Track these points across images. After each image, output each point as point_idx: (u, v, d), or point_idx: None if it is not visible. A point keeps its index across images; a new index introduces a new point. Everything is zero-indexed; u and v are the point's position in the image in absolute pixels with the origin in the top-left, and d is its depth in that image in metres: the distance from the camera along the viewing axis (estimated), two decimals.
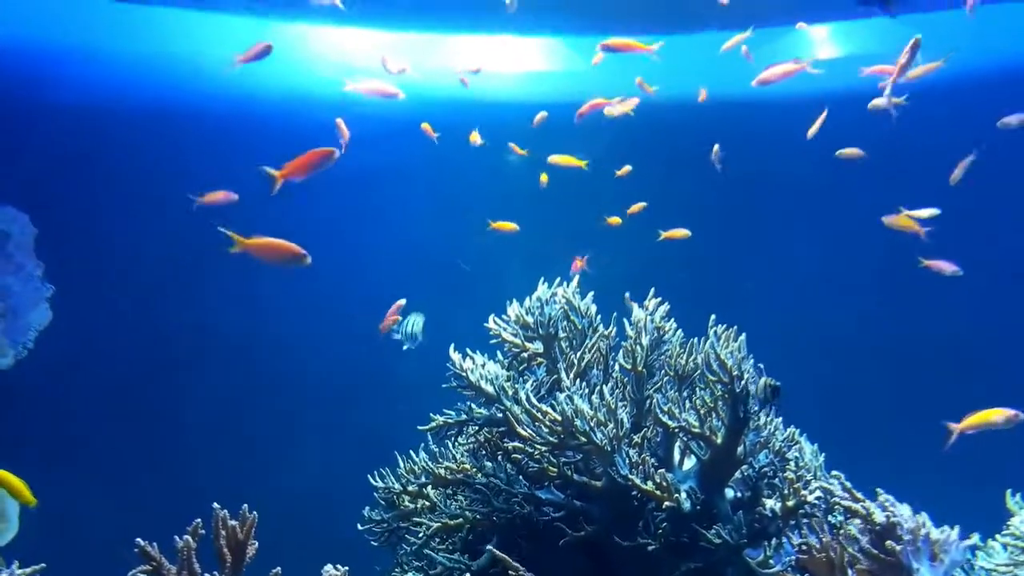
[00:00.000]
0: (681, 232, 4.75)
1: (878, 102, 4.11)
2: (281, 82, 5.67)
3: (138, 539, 1.91)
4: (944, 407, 5.55)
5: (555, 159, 4.85)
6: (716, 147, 4.81)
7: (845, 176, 4.82)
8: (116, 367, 5.23)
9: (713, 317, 2.66)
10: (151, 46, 5.45)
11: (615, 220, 4.89)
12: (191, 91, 5.49)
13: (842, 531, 2.29)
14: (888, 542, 2.07)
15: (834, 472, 2.40)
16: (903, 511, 2.13)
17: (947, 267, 4.40)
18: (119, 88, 5.35)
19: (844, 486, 2.27)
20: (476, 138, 4.94)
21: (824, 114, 4.33)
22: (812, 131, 4.37)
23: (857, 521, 2.19)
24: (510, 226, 4.87)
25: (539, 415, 2.54)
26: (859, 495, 2.24)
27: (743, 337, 2.60)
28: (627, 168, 4.89)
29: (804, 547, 2.31)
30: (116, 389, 5.24)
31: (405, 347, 3.92)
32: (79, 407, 5.16)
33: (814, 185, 5.33)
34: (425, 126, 4.88)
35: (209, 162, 5.39)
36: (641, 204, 4.85)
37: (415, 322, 4.00)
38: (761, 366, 2.57)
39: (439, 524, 2.73)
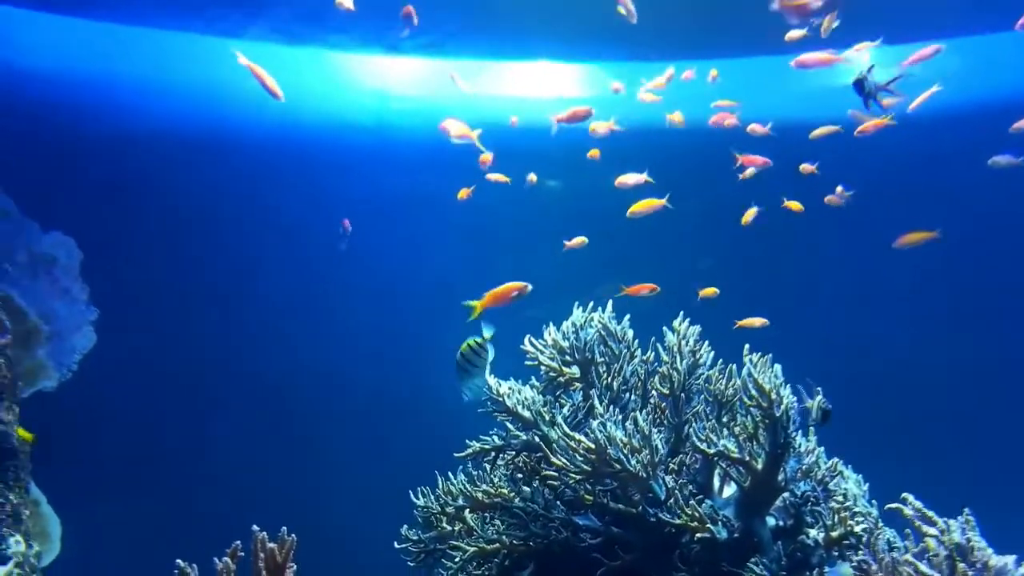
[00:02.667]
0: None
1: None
2: (322, 109, 5.76)
3: (178, 560, 1.93)
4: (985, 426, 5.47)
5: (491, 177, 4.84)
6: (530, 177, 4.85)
7: (880, 197, 4.78)
8: (158, 390, 5.31)
9: (748, 346, 2.64)
10: (195, 75, 5.58)
11: (795, 205, 4.64)
12: (234, 119, 5.60)
13: (899, 554, 2.26)
14: (960, 566, 2.03)
15: (904, 494, 2.37)
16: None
17: None
18: (163, 116, 5.48)
19: (914, 506, 2.25)
20: (533, 178, 4.92)
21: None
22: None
23: (930, 541, 2.17)
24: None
25: (573, 444, 2.52)
26: (931, 514, 2.22)
27: (778, 366, 2.57)
28: (753, 167, 4.71)
29: (864, 565, 2.28)
30: (158, 411, 5.32)
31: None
32: (122, 428, 5.24)
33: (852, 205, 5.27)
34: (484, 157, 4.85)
35: (251, 188, 5.49)
36: (753, 210, 4.71)
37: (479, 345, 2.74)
38: (819, 389, 2.55)
39: (475, 549, 2.71)
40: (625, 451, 2.46)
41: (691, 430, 2.64)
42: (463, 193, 4.80)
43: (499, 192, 5.30)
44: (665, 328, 2.85)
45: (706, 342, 2.83)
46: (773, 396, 2.46)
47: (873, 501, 2.89)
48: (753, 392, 2.49)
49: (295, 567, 1.98)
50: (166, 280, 5.37)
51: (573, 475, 2.54)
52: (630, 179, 4.56)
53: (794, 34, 4.12)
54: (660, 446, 2.53)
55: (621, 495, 2.58)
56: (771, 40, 4.22)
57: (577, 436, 2.53)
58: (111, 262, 5.08)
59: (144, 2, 5.04)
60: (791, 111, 4.97)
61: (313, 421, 5.65)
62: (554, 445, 2.58)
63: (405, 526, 3.02)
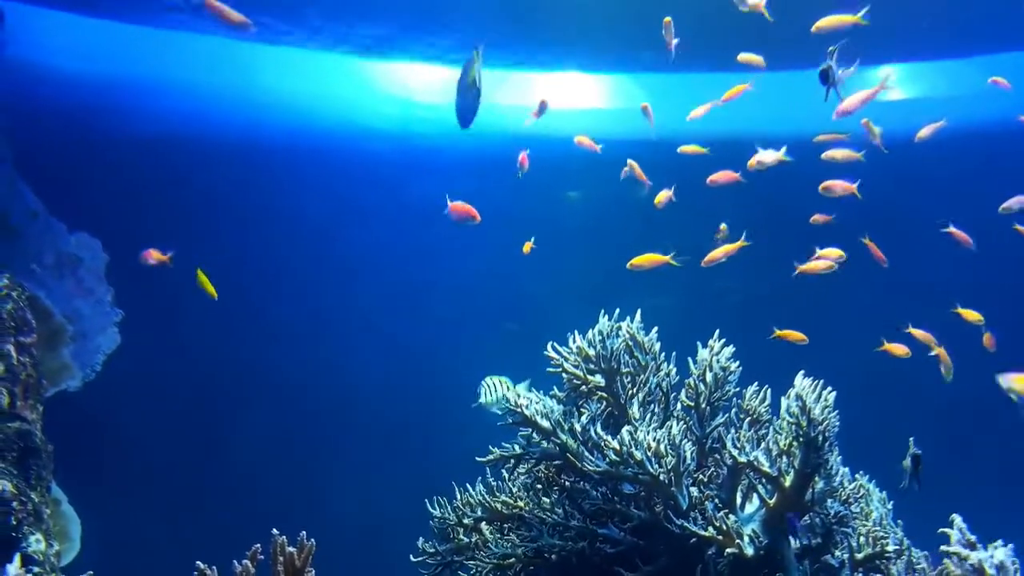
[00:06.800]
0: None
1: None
2: (345, 115, 5.79)
3: (198, 562, 1.92)
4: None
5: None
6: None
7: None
8: (181, 391, 5.34)
9: (802, 372, 2.60)
10: (222, 79, 5.63)
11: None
12: (261, 123, 5.64)
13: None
14: None
15: (953, 516, 2.35)
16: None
17: None
18: (190, 119, 5.53)
19: (961, 528, 2.24)
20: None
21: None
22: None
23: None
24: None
25: (601, 444, 2.49)
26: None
27: (833, 393, 2.51)
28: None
29: None
30: (180, 413, 5.34)
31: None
32: (144, 429, 5.26)
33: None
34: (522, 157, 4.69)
35: (277, 192, 5.52)
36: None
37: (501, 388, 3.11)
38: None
39: (491, 564, 2.68)
40: (650, 454, 2.43)
41: (726, 441, 2.59)
42: (527, 247, 4.68)
43: (520, 203, 5.29)
44: (698, 343, 2.81)
45: (737, 362, 2.79)
46: (814, 415, 2.42)
47: (899, 521, 2.84)
48: (795, 409, 2.45)
49: (313, 572, 1.97)
50: (190, 282, 5.39)
51: (593, 472, 2.50)
52: (768, 156, 4.09)
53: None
54: (688, 456, 2.49)
55: (644, 504, 2.55)
56: (808, 53, 4.16)
57: (604, 436, 2.50)
58: (136, 264, 5.12)
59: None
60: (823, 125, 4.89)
61: (335, 426, 5.66)
62: (579, 446, 2.54)
63: (421, 539, 2.99)
